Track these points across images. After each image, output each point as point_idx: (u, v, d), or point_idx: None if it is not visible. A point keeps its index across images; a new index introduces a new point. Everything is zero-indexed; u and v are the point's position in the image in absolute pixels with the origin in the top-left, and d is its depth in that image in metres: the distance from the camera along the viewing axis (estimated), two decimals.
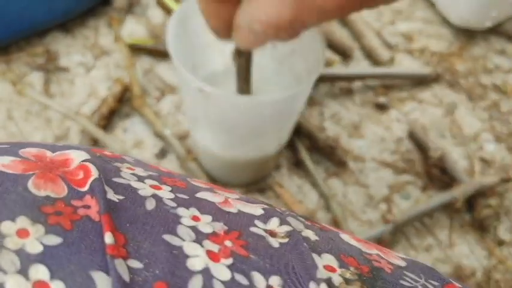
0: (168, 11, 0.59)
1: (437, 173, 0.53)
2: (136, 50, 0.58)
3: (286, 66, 0.46)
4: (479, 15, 0.64)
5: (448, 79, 0.62)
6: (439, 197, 0.51)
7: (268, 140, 0.43)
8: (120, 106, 0.54)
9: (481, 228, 0.51)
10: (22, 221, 0.19)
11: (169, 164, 0.51)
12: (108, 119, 0.53)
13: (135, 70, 0.56)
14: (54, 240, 0.19)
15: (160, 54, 0.58)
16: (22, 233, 0.19)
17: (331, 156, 0.53)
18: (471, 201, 0.52)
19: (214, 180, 0.50)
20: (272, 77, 0.48)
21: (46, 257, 0.18)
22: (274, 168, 0.51)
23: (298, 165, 0.53)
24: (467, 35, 0.66)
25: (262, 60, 0.47)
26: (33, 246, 0.19)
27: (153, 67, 0.58)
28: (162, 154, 0.52)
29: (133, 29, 0.61)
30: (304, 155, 0.52)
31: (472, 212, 0.52)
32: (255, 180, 0.50)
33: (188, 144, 0.52)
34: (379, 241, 0.48)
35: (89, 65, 0.58)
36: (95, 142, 0.51)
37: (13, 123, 0.53)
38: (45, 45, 0.59)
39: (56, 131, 0.53)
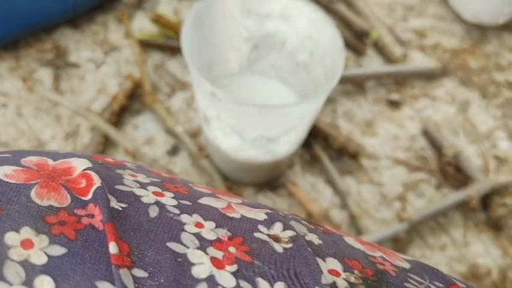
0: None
1: (452, 171, 0.53)
2: (146, 45, 0.58)
3: (303, 69, 0.46)
4: (492, 12, 0.63)
5: (461, 76, 0.61)
6: (454, 196, 0.50)
7: (280, 145, 0.43)
8: (130, 102, 0.54)
9: (496, 227, 0.50)
10: (26, 232, 0.19)
11: (181, 161, 0.51)
12: (119, 115, 0.52)
13: (146, 66, 0.55)
14: (58, 250, 0.19)
15: (171, 50, 0.58)
16: (26, 244, 0.19)
17: (345, 153, 0.52)
18: (486, 200, 0.51)
19: (226, 178, 0.49)
20: (288, 78, 0.48)
21: (51, 267, 0.18)
22: (287, 167, 0.51)
23: (311, 162, 0.52)
24: (479, 31, 0.65)
25: (278, 60, 0.47)
26: (38, 257, 0.19)
27: (163, 63, 0.57)
28: (173, 151, 0.51)
29: (143, 25, 0.60)
30: (320, 152, 0.51)
31: (487, 211, 0.51)
32: (268, 180, 0.50)
33: (200, 141, 0.52)
34: (395, 240, 0.48)
35: (98, 61, 0.57)
36: (106, 139, 0.51)
37: (23, 120, 0.52)
38: (54, 41, 0.58)
39: (66, 128, 0.52)
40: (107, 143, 0.51)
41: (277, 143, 0.42)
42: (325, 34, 0.41)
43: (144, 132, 0.52)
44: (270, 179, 0.50)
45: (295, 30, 0.44)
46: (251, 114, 0.38)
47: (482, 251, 0.49)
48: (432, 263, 0.48)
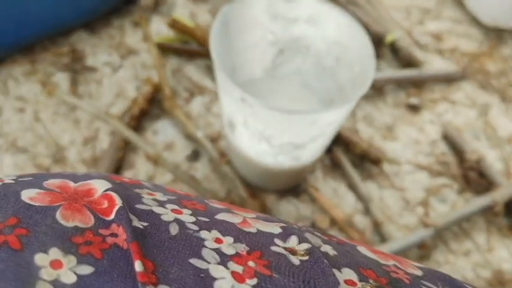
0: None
1: (475, 176, 0.52)
2: (163, 49, 0.57)
3: (329, 74, 0.45)
4: (510, 15, 0.63)
5: (480, 80, 0.61)
6: (478, 201, 0.50)
7: (306, 151, 0.42)
8: (150, 107, 0.53)
9: None
10: (54, 253, 0.20)
11: (202, 167, 0.50)
12: (139, 120, 0.52)
13: (165, 70, 0.54)
14: (86, 269, 0.20)
15: (188, 54, 0.57)
16: (56, 264, 0.19)
17: (366, 159, 0.52)
18: (509, 205, 0.51)
19: (248, 184, 0.49)
20: (313, 83, 0.47)
21: (81, 286, 0.19)
22: (309, 172, 0.50)
23: (332, 167, 0.52)
24: (497, 34, 0.65)
25: (303, 65, 0.46)
26: (68, 277, 0.19)
27: (181, 67, 0.57)
28: (194, 156, 0.51)
29: (160, 29, 0.60)
30: (342, 157, 0.51)
31: (511, 216, 0.51)
32: (291, 186, 0.49)
33: (221, 146, 0.51)
34: (420, 246, 0.47)
35: (115, 64, 0.57)
36: (126, 144, 0.50)
37: (40, 125, 0.52)
38: (71, 44, 0.57)
39: (85, 132, 0.51)
40: (126, 148, 0.50)
41: (303, 149, 0.41)
42: (355, 40, 0.41)
43: (164, 137, 0.52)
44: (293, 185, 0.49)
45: (322, 34, 0.44)
46: (281, 121, 0.37)
47: (506, 256, 0.49)
48: (456, 269, 0.47)
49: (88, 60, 0.57)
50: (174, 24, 0.57)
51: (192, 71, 0.57)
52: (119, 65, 0.57)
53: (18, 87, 0.54)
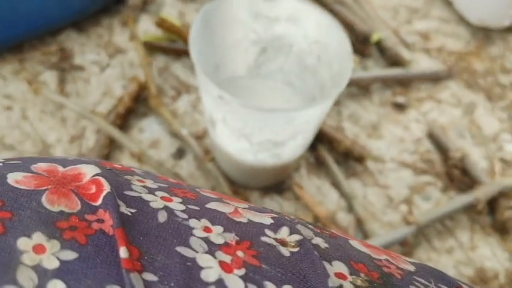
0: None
1: (458, 174, 0.52)
2: (151, 48, 0.58)
3: (310, 73, 0.45)
4: (497, 14, 0.63)
5: (466, 79, 0.61)
6: (461, 199, 0.50)
7: (287, 149, 0.43)
8: (136, 105, 0.53)
9: (503, 230, 0.50)
10: (38, 237, 0.19)
11: (187, 165, 0.50)
12: (125, 118, 0.52)
13: (151, 69, 0.55)
14: (70, 255, 0.19)
15: (176, 53, 0.58)
16: (38, 249, 0.19)
17: (350, 157, 0.52)
18: (493, 203, 0.51)
19: (232, 182, 0.49)
20: (295, 82, 0.48)
21: (63, 272, 0.19)
22: (293, 170, 0.51)
23: (317, 165, 0.52)
24: (484, 34, 0.65)
25: (286, 64, 0.47)
26: (50, 262, 0.19)
27: (168, 66, 0.57)
28: (179, 154, 0.51)
29: (148, 28, 0.60)
30: (326, 155, 0.51)
31: (494, 214, 0.51)
32: (274, 183, 0.50)
33: (206, 144, 0.52)
34: (402, 244, 0.48)
35: (103, 63, 0.57)
36: (111, 142, 0.51)
37: (28, 123, 0.52)
38: (59, 43, 0.58)
39: (72, 130, 0.52)
40: (112, 146, 0.51)
41: (283, 147, 0.42)
42: (333, 39, 0.41)
43: (149, 135, 0.52)
44: (276, 182, 0.49)
45: (303, 33, 0.44)
46: (258, 118, 0.37)
47: (489, 254, 0.49)
48: (439, 267, 0.48)
49: (76, 59, 0.57)
50: (161, 23, 0.57)
51: (179, 69, 0.57)
52: (107, 63, 0.57)
53: (6, 85, 0.54)
